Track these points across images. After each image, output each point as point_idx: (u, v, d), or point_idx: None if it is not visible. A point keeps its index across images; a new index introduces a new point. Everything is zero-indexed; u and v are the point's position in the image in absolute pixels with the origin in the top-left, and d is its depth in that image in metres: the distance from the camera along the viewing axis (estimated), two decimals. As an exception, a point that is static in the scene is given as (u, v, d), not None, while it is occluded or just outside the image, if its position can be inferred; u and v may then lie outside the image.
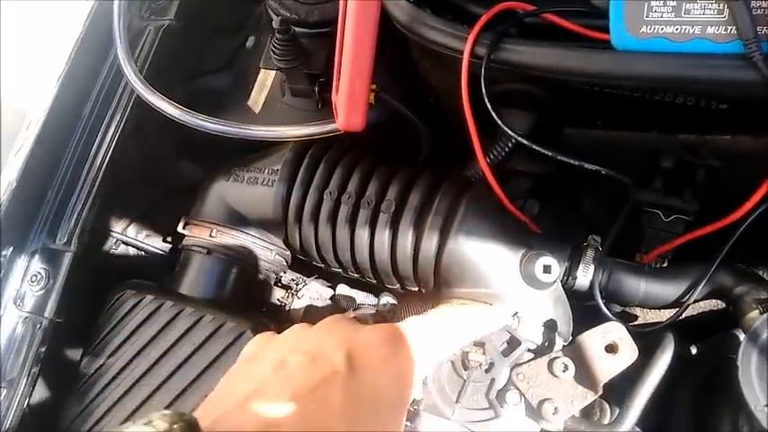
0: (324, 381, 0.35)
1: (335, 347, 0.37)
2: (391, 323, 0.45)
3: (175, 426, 0.31)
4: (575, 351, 0.54)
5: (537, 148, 0.62)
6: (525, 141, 0.63)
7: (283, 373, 0.36)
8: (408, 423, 0.53)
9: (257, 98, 0.79)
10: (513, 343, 0.55)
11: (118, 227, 0.83)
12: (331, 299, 0.76)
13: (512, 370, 0.55)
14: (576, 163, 0.62)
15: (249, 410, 0.34)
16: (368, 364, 0.37)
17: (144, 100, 0.75)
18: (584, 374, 0.53)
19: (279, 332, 0.45)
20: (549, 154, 0.62)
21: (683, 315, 0.73)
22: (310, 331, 0.42)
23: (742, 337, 0.58)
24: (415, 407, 0.54)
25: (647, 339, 0.61)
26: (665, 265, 0.68)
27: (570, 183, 0.82)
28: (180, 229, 0.74)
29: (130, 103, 0.77)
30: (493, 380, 0.54)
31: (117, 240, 0.84)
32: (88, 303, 0.75)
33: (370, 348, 0.38)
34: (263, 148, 0.74)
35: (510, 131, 0.63)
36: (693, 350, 0.67)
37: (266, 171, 0.71)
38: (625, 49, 0.52)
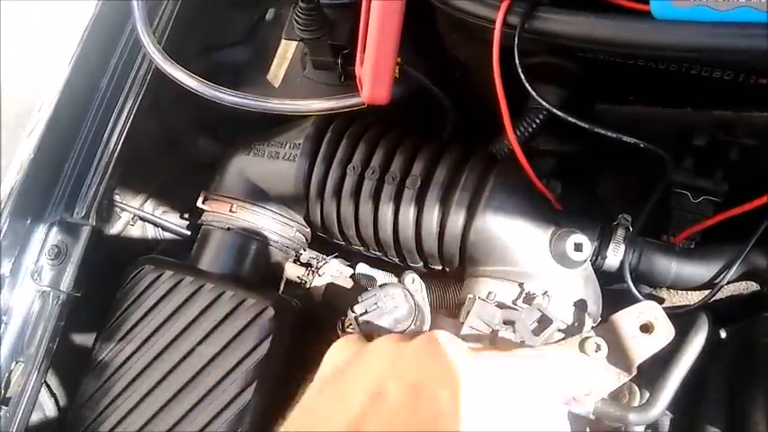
0: (429, 422, 0.32)
1: (439, 380, 0.34)
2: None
3: None
4: (607, 331, 0.52)
5: (572, 120, 0.60)
6: (559, 113, 0.61)
7: (383, 407, 0.33)
8: None
9: (277, 72, 0.77)
10: (545, 322, 0.53)
11: (135, 202, 0.82)
12: (351, 277, 0.75)
13: (541, 349, 0.54)
14: (614, 135, 0.60)
15: None
16: (474, 404, 0.33)
17: (163, 71, 0.73)
18: (618, 355, 0.51)
19: (314, 315, 0.42)
20: (586, 126, 0.60)
21: (712, 299, 0.73)
22: (407, 350, 0.37)
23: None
24: None
25: (679, 322, 0.60)
26: (693, 246, 0.67)
27: (592, 166, 0.80)
28: (199, 203, 0.73)
29: (148, 76, 0.76)
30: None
31: (134, 216, 0.83)
32: (106, 278, 0.74)
33: (476, 386, 0.34)
34: (283, 123, 0.73)
35: (543, 102, 0.61)
36: (723, 334, 0.66)
37: (288, 145, 0.69)
38: (665, 17, 0.50)
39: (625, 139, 0.60)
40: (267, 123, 0.74)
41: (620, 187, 0.79)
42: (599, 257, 0.62)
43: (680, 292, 0.74)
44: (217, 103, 0.72)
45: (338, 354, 0.40)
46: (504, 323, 0.53)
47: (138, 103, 0.74)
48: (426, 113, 0.75)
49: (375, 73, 0.61)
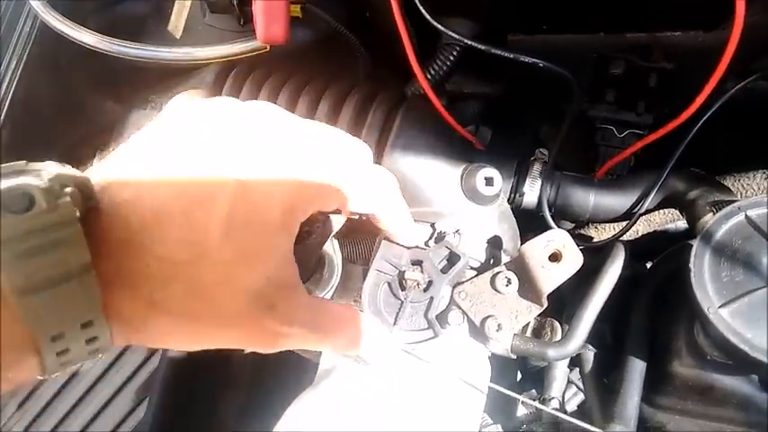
0: (214, 182, 0.32)
1: (239, 161, 0.33)
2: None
3: (67, 189, 0.28)
4: (517, 264, 0.50)
5: (483, 48, 0.58)
6: (470, 42, 0.58)
7: (181, 159, 0.33)
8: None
9: (177, 22, 0.72)
10: (453, 258, 0.51)
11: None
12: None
13: (453, 288, 0.51)
14: (528, 60, 0.57)
15: (138, 185, 0.31)
16: (264, 182, 0.33)
17: (52, 28, 0.68)
18: (528, 287, 0.49)
19: None
20: (500, 53, 0.57)
21: (639, 234, 0.71)
22: (237, 118, 0.36)
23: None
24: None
25: (601, 257, 0.58)
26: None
27: (519, 106, 0.78)
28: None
29: (34, 32, 0.70)
30: (432, 298, 0.50)
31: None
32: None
33: (276, 166, 0.34)
34: (183, 75, 0.68)
35: (451, 33, 0.57)
36: (648, 266, 0.64)
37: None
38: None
39: (526, 60, 0.57)
40: (169, 77, 0.69)
41: (546, 121, 0.77)
42: (516, 194, 0.60)
43: (607, 229, 0.72)
44: (117, 60, 0.67)
45: (179, 106, 0.37)
46: (413, 263, 0.51)
47: (23, 63, 0.68)
48: (338, 58, 0.71)
49: (267, 9, 0.57)
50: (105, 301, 0.30)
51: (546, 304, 0.49)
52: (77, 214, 0.28)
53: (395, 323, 0.50)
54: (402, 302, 0.50)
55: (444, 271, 0.50)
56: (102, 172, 0.33)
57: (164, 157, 0.33)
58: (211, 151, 0.33)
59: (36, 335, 0.28)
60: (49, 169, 0.30)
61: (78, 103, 0.76)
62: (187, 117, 0.35)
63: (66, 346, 0.29)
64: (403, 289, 0.50)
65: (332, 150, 0.37)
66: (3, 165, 0.30)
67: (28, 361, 0.29)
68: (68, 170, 0.30)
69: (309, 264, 0.51)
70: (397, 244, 0.50)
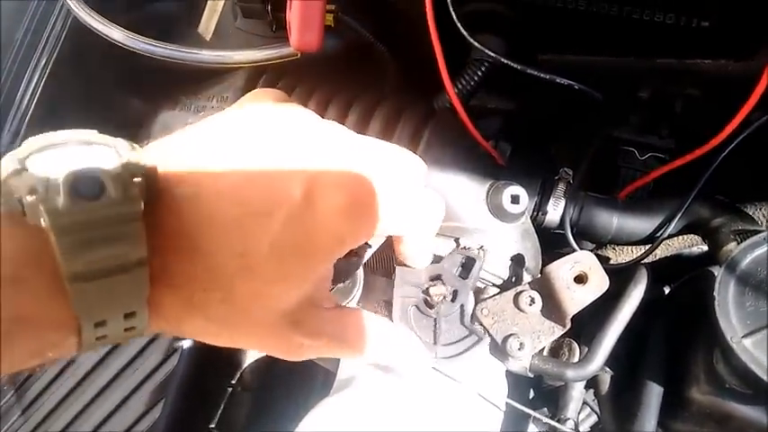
0: (273, 201, 0.32)
1: (305, 171, 0.33)
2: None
3: (136, 180, 0.28)
4: (542, 283, 0.50)
5: (514, 65, 0.58)
6: (501, 58, 0.58)
7: (244, 167, 0.32)
8: None
9: (208, 24, 0.73)
10: (469, 263, 0.51)
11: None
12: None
13: (476, 305, 0.51)
14: (557, 80, 0.57)
15: (198, 182, 0.31)
16: (321, 209, 0.32)
17: (84, 23, 0.68)
18: (552, 307, 0.49)
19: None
20: (528, 71, 0.58)
21: (658, 257, 0.71)
22: (305, 128, 0.35)
23: (717, 272, 0.55)
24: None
25: (621, 279, 0.58)
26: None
27: (542, 124, 0.78)
28: (122, 164, 0.68)
29: (65, 30, 0.70)
30: (462, 306, 0.50)
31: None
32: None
33: (335, 195, 0.33)
34: (213, 78, 0.69)
35: (482, 48, 0.58)
36: (667, 290, 0.65)
37: (215, 99, 0.65)
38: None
39: (561, 81, 0.57)
40: (198, 79, 0.70)
41: (571, 142, 0.77)
42: (539, 213, 0.60)
43: (626, 251, 0.73)
44: (145, 60, 0.68)
45: (250, 109, 0.37)
46: (431, 279, 0.51)
47: (53, 60, 0.69)
48: (367, 67, 0.71)
49: (303, 16, 0.57)
50: (149, 295, 0.30)
51: (569, 326, 0.49)
52: (142, 208, 0.28)
53: (435, 342, 0.50)
54: (435, 319, 0.50)
55: (464, 276, 0.50)
56: (165, 158, 0.32)
57: (228, 155, 0.32)
58: (277, 161, 0.33)
59: (82, 319, 0.28)
60: (121, 150, 0.29)
61: (106, 101, 0.77)
62: (259, 118, 0.35)
63: (106, 332, 0.30)
64: (431, 307, 0.50)
65: (392, 174, 0.36)
66: (72, 131, 0.30)
67: (69, 341, 0.29)
68: (138, 155, 0.30)
69: (342, 277, 0.51)
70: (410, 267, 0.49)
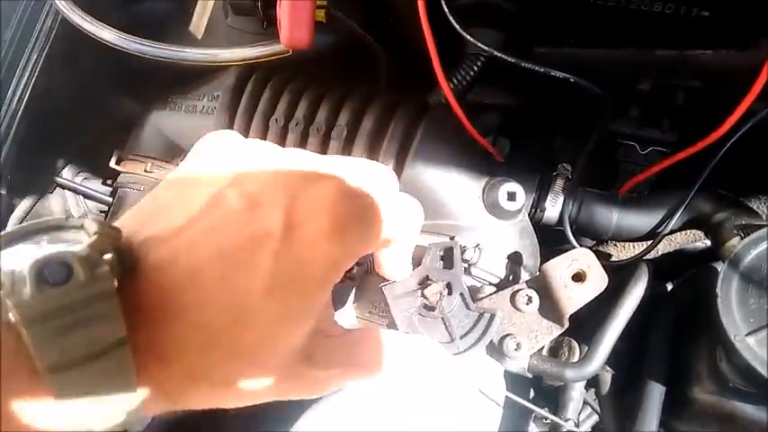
0: (253, 241, 0.30)
1: (279, 201, 0.31)
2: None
3: (106, 256, 0.27)
4: (539, 282, 0.49)
5: (510, 60, 0.57)
6: (496, 53, 0.57)
7: (215, 214, 0.31)
8: None
9: (199, 22, 0.72)
10: (448, 252, 0.49)
11: (52, 168, 0.76)
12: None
13: (474, 302, 0.50)
14: (552, 73, 0.56)
15: (173, 244, 0.30)
16: (307, 236, 0.31)
17: (72, 23, 0.67)
18: (550, 307, 0.48)
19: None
20: (524, 65, 0.56)
21: (660, 253, 0.70)
22: (267, 161, 0.34)
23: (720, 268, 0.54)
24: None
25: (622, 276, 0.57)
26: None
27: (540, 119, 0.77)
28: (112, 164, 0.67)
29: (55, 28, 0.69)
30: (461, 295, 0.48)
31: (53, 184, 0.77)
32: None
33: (316, 218, 0.31)
34: (204, 76, 0.67)
35: (477, 42, 0.57)
36: (669, 287, 0.63)
37: (206, 98, 0.64)
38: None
39: (557, 74, 0.56)
40: (189, 78, 0.68)
41: (571, 137, 0.75)
42: (538, 209, 0.59)
43: (627, 247, 0.71)
44: (137, 59, 0.66)
45: (211, 139, 0.36)
46: (421, 283, 0.49)
47: (42, 59, 0.68)
48: (360, 62, 0.70)
49: (293, 13, 0.56)
50: (140, 372, 0.28)
51: (567, 325, 0.48)
52: (115, 285, 0.27)
53: (452, 339, 0.48)
54: (442, 318, 0.49)
55: (449, 266, 0.49)
56: (137, 223, 0.31)
57: (198, 208, 0.31)
58: (247, 200, 0.31)
59: None
60: (89, 228, 0.28)
61: (96, 100, 0.76)
62: (217, 163, 0.33)
63: None
64: (432, 308, 0.49)
65: (365, 185, 0.34)
66: (42, 220, 0.29)
67: None
68: (109, 230, 0.29)
69: (341, 302, 0.50)
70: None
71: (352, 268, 0.41)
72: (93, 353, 0.26)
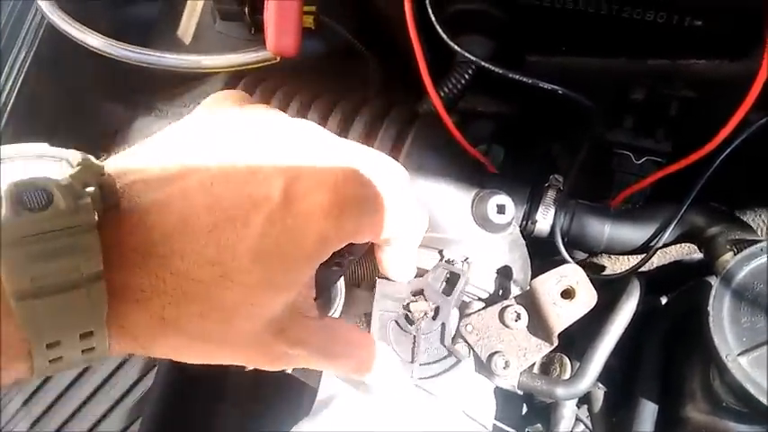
0: (250, 200, 0.30)
1: (283, 171, 0.31)
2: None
3: (88, 189, 0.26)
4: (527, 298, 0.48)
5: (499, 71, 0.56)
6: (484, 63, 0.56)
7: (213, 170, 0.30)
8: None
9: (187, 27, 0.71)
10: (453, 278, 0.48)
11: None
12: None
13: (460, 321, 0.49)
14: (542, 85, 0.55)
15: (167, 191, 0.29)
16: (304, 208, 0.30)
17: (58, 29, 0.66)
18: (538, 324, 0.47)
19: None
20: (514, 76, 0.55)
21: (654, 265, 0.69)
22: (275, 129, 0.33)
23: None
24: None
25: (614, 291, 0.56)
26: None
27: (534, 127, 0.76)
28: (97, 172, 0.66)
29: (40, 33, 0.68)
30: (443, 324, 0.48)
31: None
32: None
33: (317, 193, 0.31)
34: (191, 82, 0.66)
35: (465, 52, 0.56)
36: (663, 301, 0.62)
37: (193, 105, 0.62)
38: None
39: (546, 86, 0.55)
40: (175, 85, 0.67)
41: (565, 146, 0.74)
42: (529, 222, 0.58)
43: (621, 259, 0.70)
44: (122, 65, 0.65)
45: (220, 99, 0.36)
46: (414, 294, 0.49)
47: (28, 64, 0.67)
48: (350, 70, 0.69)
49: (279, 19, 0.55)
50: (111, 313, 0.27)
51: (556, 343, 0.47)
52: (96, 218, 0.26)
53: (412, 360, 0.48)
54: (414, 336, 0.48)
55: (447, 293, 0.48)
56: (127, 165, 0.30)
57: (197, 158, 0.30)
58: (251, 161, 0.31)
59: (32, 341, 0.26)
60: (72, 159, 0.27)
61: (82, 105, 0.75)
62: (227, 119, 0.33)
63: (61, 354, 0.27)
64: (411, 323, 0.48)
65: (375, 176, 0.34)
66: (24, 145, 0.28)
67: (19, 365, 0.27)
68: (92, 163, 0.28)
69: (325, 288, 0.49)
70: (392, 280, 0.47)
71: (342, 254, 0.40)
72: (66, 284, 0.26)
